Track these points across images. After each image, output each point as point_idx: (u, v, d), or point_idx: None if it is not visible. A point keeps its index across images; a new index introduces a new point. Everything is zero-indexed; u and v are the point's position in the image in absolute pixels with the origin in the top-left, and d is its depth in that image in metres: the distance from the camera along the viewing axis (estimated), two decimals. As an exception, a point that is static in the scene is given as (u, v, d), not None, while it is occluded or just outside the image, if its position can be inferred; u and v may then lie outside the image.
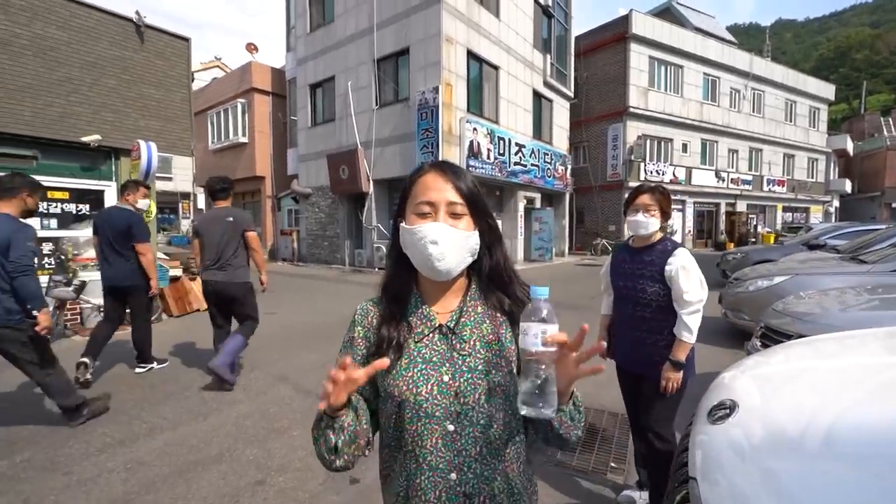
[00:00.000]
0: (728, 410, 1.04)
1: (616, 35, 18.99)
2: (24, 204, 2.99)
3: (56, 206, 6.00)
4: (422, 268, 0.84)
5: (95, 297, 5.79)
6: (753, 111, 23.63)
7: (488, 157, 12.53)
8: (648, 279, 1.95)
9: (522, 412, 0.72)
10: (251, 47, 18.02)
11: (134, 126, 6.61)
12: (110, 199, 6.45)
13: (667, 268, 1.90)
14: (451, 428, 0.80)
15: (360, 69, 13.30)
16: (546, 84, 16.14)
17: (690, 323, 1.86)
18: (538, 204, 16.27)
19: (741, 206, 23.39)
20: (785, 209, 26.09)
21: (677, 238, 20.33)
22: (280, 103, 17.43)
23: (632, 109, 18.66)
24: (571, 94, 18.10)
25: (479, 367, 0.82)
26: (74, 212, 6.19)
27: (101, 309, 5.75)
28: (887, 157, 29.52)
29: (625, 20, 18.70)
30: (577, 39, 19.05)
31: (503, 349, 0.84)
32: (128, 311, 4.33)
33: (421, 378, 0.81)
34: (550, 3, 16.01)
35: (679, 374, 1.89)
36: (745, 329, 5.14)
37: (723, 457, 0.92)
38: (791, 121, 25.69)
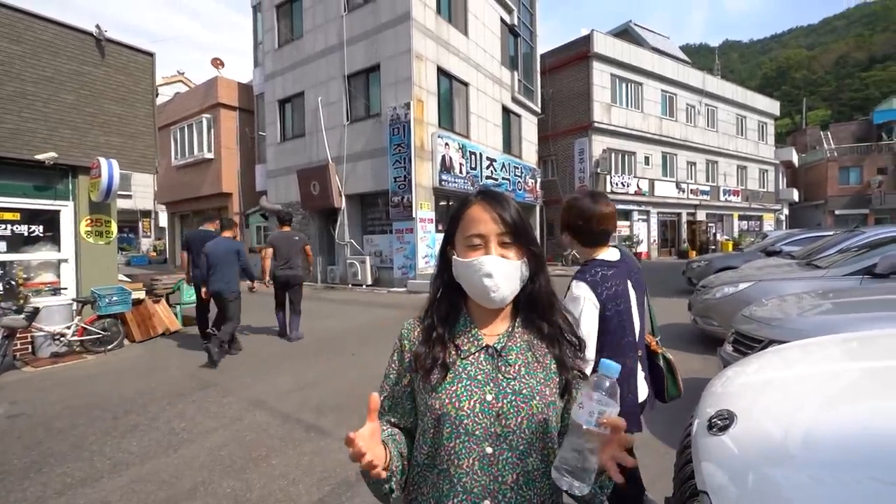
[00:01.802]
0: (727, 421, 1.06)
1: (579, 53, 19.79)
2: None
3: (5, 228, 5.63)
4: (477, 298, 0.87)
5: (50, 323, 5.44)
6: (708, 126, 25.02)
7: (460, 172, 12.67)
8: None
9: (553, 477, 0.71)
10: (217, 62, 17.67)
11: (94, 143, 6.32)
12: (67, 220, 6.11)
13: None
14: (489, 450, 0.80)
15: (331, 84, 13.26)
16: (514, 100, 16.57)
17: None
18: (510, 216, 16.50)
19: (701, 216, 24.55)
20: (741, 217, 27.55)
21: (643, 248, 21.09)
22: (247, 119, 17.09)
23: (596, 124, 19.39)
24: (539, 110, 18.64)
25: (524, 391, 0.82)
26: (26, 233, 5.82)
27: (55, 336, 5.42)
28: (828, 168, 31.83)
29: (587, 39, 19.55)
30: (543, 57, 19.72)
31: (548, 378, 0.86)
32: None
33: (464, 393, 0.82)
34: (516, 23, 16.54)
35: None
36: (714, 335, 5.34)
37: (732, 469, 0.94)
38: (742, 135, 27.36)
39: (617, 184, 20.03)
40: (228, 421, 3.55)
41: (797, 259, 7.09)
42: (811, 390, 1.26)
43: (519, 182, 16.16)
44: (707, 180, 25.18)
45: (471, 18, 13.90)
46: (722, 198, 25.66)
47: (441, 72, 12.54)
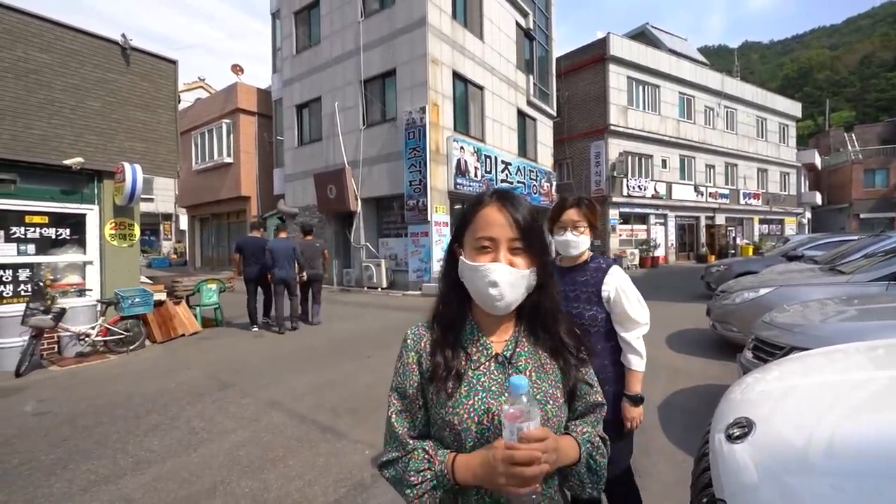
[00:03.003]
0: (746, 429, 1.04)
1: (595, 56, 19.65)
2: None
3: (34, 231, 5.83)
4: (481, 303, 0.86)
5: (76, 324, 5.61)
6: (727, 128, 24.54)
7: (475, 175, 12.67)
8: (584, 302, 1.70)
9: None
10: (237, 69, 18.08)
11: (118, 148, 6.52)
12: (92, 223, 6.30)
13: (604, 288, 1.67)
14: None
15: (347, 90, 13.42)
16: (529, 103, 16.53)
17: (640, 347, 1.66)
18: (524, 220, 16.43)
19: (720, 219, 24.05)
20: (761, 221, 26.91)
21: (660, 252, 20.75)
22: (266, 123, 17.43)
23: (612, 127, 19.19)
24: (554, 113, 18.55)
25: (537, 396, 0.83)
26: (53, 236, 6.02)
27: (80, 337, 5.59)
28: (853, 171, 30.88)
29: (603, 42, 19.40)
30: (558, 60, 19.64)
31: (557, 381, 0.87)
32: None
33: (482, 407, 0.82)
34: (532, 26, 16.52)
35: (639, 408, 1.66)
36: (733, 341, 5.23)
37: (750, 478, 0.93)
38: (763, 137, 26.74)
39: (634, 187, 19.78)
40: (246, 421, 3.61)
41: (820, 264, 6.89)
42: (834, 398, 1.23)
43: (534, 185, 16.08)
44: (726, 183, 24.68)
45: (486, 23, 13.93)
46: (742, 201, 25.12)
47: (456, 76, 12.59)
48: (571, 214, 1.74)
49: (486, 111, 13.82)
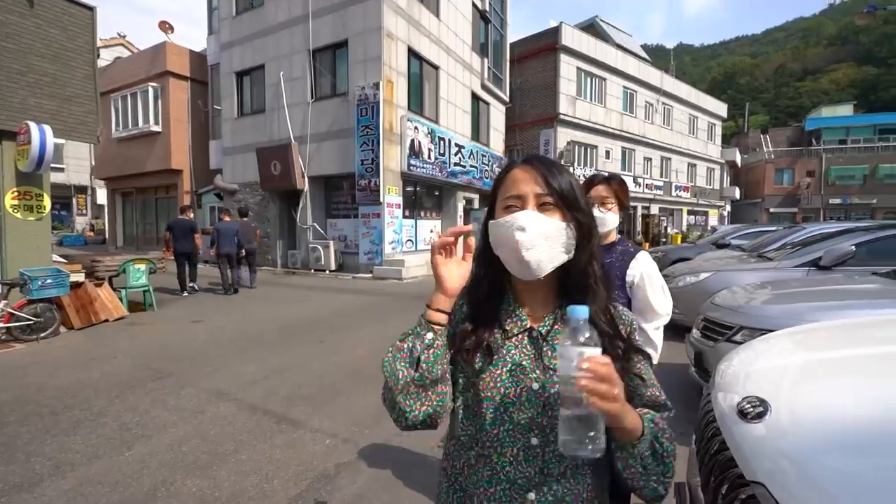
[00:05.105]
0: (761, 408, 1.03)
1: (547, 45, 19.88)
2: None
3: (-89, 198, 4.88)
4: (510, 263, 0.77)
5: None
6: (664, 124, 26.08)
7: (429, 157, 12.45)
8: None
9: (561, 450, 0.63)
10: (165, 26, 16.25)
11: (21, 105, 5.60)
12: (-11, 191, 5.40)
13: (629, 273, 1.60)
14: (534, 441, 0.75)
15: (294, 59, 12.54)
16: (483, 87, 16.44)
17: (657, 339, 1.61)
18: (476, 204, 16.51)
19: (654, 210, 25.71)
20: (689, 212, 29.14)
21: (601, 238, 21.83)
22: (200, 90, 15.91)
23: (562, 116, 19.66)
24: (507, 99, 18.63)
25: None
26: (-63, 205, 5.09)
27: None
28: (766, 170, 34.21)
29: (555, 32, 19.65)
30: (512, 46, 19.65)
31: None
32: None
33: (509, 379, 0.77)
34: (488, 8, 16.34)
35: None
36: (676, 322, 5.56)
37: (787, 459, 0.90)
38: (693, 134, 28.77)
39: (580, 176, 20.49)
40: (189, 414, 3.27)
41: (746, 252, 7.55)
42: (846, 375, 1.26)
43: (486, 170, 16.13)
44: (661, 176, 26.33)
45: (442, 1, 13.56)
46: (674, 193, 26.98)
47: (412, 53, 12.18)
48: (600, 190, 1.67)
49: (440, 92, 13.55)
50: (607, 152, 22.45)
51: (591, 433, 0.60)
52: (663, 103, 25.68)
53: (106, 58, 20.78)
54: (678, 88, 26.82)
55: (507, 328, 0.80)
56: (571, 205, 0.76)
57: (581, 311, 0.62)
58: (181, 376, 4.06)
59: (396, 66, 11.50)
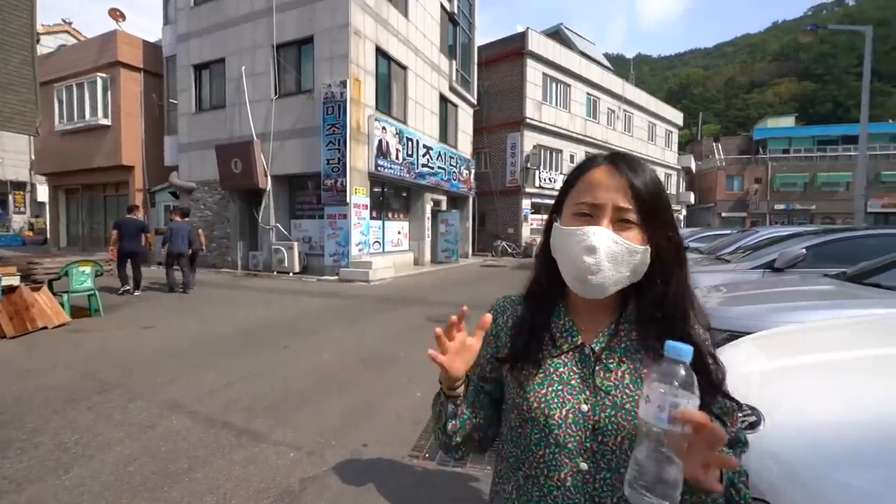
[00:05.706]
0: (754, 418, 1.02)
1: (514, 49, 20.19)
2: None
3: None
4: (570, 278, 0.70)
5: None
6: (625, 130, 27.07)
7: (397, 158, 12.31)
8: None
9: (628, 495, 0.56)
10: (116, 14, 15.27)
11: (-56, 90, 5.06)
12: None
13: None
14: (584, 466, 0.68)
15: (257, 53, 12.08)
16: (451, 89, 16.45)
17: None
18: (444, 206, 16.49)
19: (616, 213, 26.62)
20: (648, 216, 30.37)
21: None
22: (154, 83, 15.05)
23: (528, 120, 19.99)
24: (475, 101, 18.75)
25: (627, 405, 0.66)
26: None
27: None
28: (718, 176, 36.19)
29: (522, 37, 19.98)
30: (480, 50, 19.81)
31: None
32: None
33: (555, 400, 0.71)
34: (456, 11, 16.38)
35: None
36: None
37: (788, 473, 0.88)
38: (652, 140, 30.04)
39: (545, 179, 20.92)
40: (137, 430, 3.02)
41: (704, 254, 7.89)
42: (836, 382, 1.25)
43: (454, 172, 16.15)
44: (622, 181, 27.31)
45: (411, 1, 13.46)
46: (634, 197, 28.03)
47: (380, 52, 12.01)
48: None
49: (409, 92, 13.45)
50: (572, 156, 23.01)
51: (660, 485, 0.53)
52: (624, 110, 26.65)
53: (48, 45, 19.30)
54: (638, 96, 27.91)
55: (558, 343, 0.74)
56: (659, 223, 0.67)
57: (685, 353, 0.54)
58: (130, 387, 3.76)
59: (364, 65, 11.30)
